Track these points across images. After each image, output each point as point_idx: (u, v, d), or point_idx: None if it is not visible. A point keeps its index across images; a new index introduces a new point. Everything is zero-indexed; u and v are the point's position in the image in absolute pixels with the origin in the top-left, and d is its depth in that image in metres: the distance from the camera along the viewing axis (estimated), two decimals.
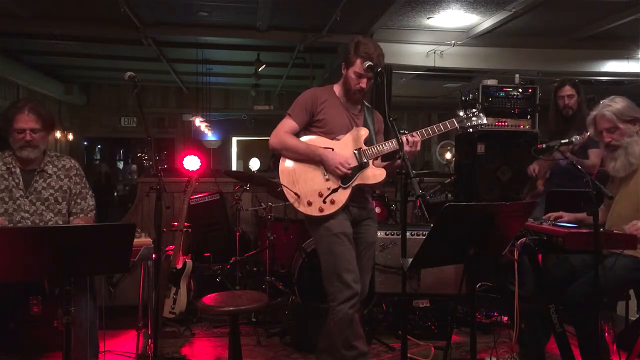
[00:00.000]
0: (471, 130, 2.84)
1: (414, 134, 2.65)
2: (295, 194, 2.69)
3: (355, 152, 2.73)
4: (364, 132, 2.78)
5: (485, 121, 2.79)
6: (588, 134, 3.31)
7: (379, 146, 2.73)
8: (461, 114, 2.79)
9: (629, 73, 7.01)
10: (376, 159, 2.79)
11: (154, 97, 11.21)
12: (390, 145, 2.71)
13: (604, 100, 2.73)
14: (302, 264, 3.97)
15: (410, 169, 2.34)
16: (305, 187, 2.70)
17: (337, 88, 2.86)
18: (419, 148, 2.65)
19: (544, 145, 3.09)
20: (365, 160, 2.73)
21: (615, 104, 2.67)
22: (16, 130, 2.70)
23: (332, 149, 2.72)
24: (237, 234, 4.60)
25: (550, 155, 3.90)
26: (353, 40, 2.74)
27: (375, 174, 2.75)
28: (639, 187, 2.60)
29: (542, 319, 2.67)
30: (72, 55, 7.98)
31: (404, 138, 2.59)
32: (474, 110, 2.79)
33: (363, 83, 2.72)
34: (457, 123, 2.75)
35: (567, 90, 3.92)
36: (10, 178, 2.73)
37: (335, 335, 2.67)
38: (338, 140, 2.75)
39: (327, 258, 2.69)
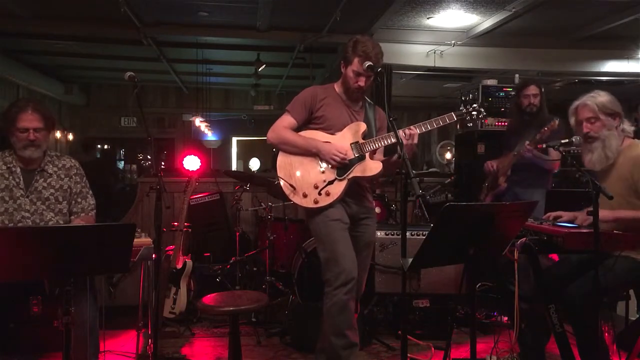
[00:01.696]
0: (470, 124, 2.85)
1: (411, 127, 2.66)
2: (291, 185, 2.72)
3: (352, 145, 2.75)
4: (362, 127, 2.79)
5: (484, 114, 2.79)
6: (547, 128, 3.35)
7: (376, 140, 2.74)
8: (462, 108, 2.81)
9: (629, 73, 7.00)
10: (374, 152, 2.80)
11: (154, 97, 11.20)
12: (387, 140, 2.72)
13: (587, 94, 2.74)
14: (302, 264, 3.97)
15: (410, 168, 2.34)
16: (301, 179, 2.73)
17: (337, 86, 2.88)
18: (416, 141, 2.64)
19: (544, 145, 3.10)
20: (362, 154, 2.74)
21: (599, 97, 2.68)
22: (19, 129, 2.69)
23: (330, 142, 2.74)
24: (237, 234, 4.60)
25: (510, 152, 3.94)
26: (352, 39, 2.75)
27: (371, 167, 2.76)
28: (615, 186, 2.61)
29: (542, 319, 2.67)
30: (72, 55, 7.98)
31: (401, 132, 2.59)
32: (475, 105, 2.79)
33: (361, 82, 2.73)
34: (456, 116, 2.75)
35: (533, 89, 3.97)
36: (11, 177, 2.73)
37: (326, 322, 2.67)
38: (335, 134, 2.78)
39: (325, 244, 2.71)
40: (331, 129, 2.78)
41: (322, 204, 2.69)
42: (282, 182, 2.75)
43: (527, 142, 3.65)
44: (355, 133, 2.78)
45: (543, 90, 4.00)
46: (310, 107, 2.79)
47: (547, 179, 4.00)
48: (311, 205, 2.70)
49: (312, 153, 2.74)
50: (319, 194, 2.69)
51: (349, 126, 2.79)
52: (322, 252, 2.74)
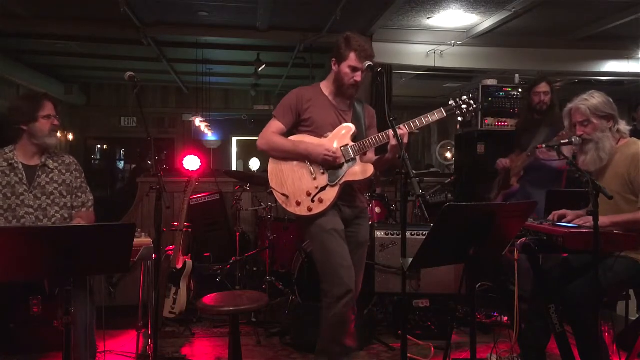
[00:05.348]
0: (461, 119, 2.79)
1: (400, 126, 2.59)
2: (284, 195, 2.70)
3: (342, 148, 2.72)
4: (351, 129, 2.77)
5: (474, 106, 2.73)
6: (565, 132, 3.34)
7: (365, 142, 2.72)
8: (451, 102, 2.75)
9: (629, 73, 7.00)
10: (364, 154, 2.79)
11: (153, 97, 11.19)
12: (376, 140, 2.69)
13: (582, 95, 2.75)
14: (302, 264, 3.97)
15: (410, 168, 2.33)
16: (294, 187, 2.70)
17: (324, 86, 2.85)
18: (406, 141, 2.55)
19: (544, 145, 3.09)
20: (353, 157, 2.72)
21: (592, 99, 2.69)
22: (44, 116, 2.75)
23: (301, 142, 2.73)
24: (237, 234, 4.60)
25: (522, 152, 3.91)
26: (342, 36, 2.74)
27: (363, 169, 2.74)
28: (611, 183, 2.62)
29: (542, 319, 2.67)
30: (72, 55, 7.97)
31: (390, 132, 2.55)
32: (464, 97, 2.74)
33: (358, 76, 2.70)
34: (446, 112, 2.71)
35: (544, 87, 3.93)
36: (13, 174, 2.74)
37: (327, 330, 2.71)
38: (325, 137, 2.75)
39: (321, 255, 2.70)
40: (319, 131, 2.75)
41: (316, 211, 2.67)
42: (274, 192, 2.73)
43: (543, 146, 3.60)
44: (344, 135, 2.75)
45: (554, 88, 3.95)
46: (297, 109, 2.76)
47: (559, 179, 3.97)
48: (305, 213, 2.68)
49: (302, 156, 2.71)
50: (312, 201, 2.67)
51: (337, 128, 2.76)
52: (318, 263, 2.74)
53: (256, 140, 2.83)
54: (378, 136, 2.69)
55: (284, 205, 2.71)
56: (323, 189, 2.68)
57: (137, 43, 6.43)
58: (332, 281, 2.65)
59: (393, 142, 2.55)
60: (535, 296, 2.74)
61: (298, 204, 2.68)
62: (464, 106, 2.72)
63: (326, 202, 2.67)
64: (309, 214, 2.67)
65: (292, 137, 2.79)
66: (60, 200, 2.82)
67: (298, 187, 2.70)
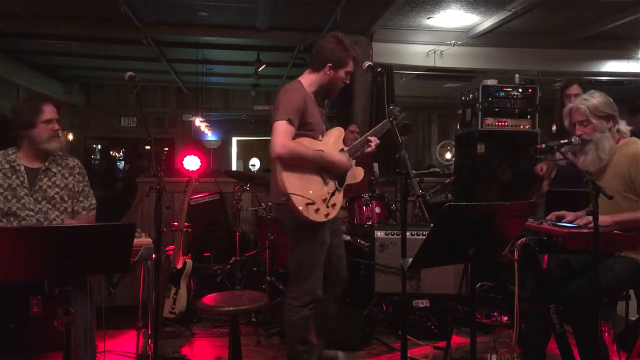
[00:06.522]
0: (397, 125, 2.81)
1: (370, 138, 2.84)
2: (310, 201, 2.59)
3: (340, 152, 2.77)
4: (340, 132, 2.83)
5: (398, 114, 2.71)
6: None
7: (358, 145, 2.82)
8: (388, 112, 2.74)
9: (629, 73, 7.02)
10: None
11: (154, 97, 11.20)
12: (365, 144, 2.84)
13: (583, 95, 2.77)
14: None
15: (410, 168, 2.34)
16: (315, 193, 2.64)
17: (307, 84, 2.79)
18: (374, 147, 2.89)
19: (543, 145, 3.09)
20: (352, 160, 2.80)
21: (592, 99, 2.69)
22: (44, 121, 2.71)
23: (322, 151, 2.71)
24: (237, 234, 4.60)
25: (555, 155, 3.90)
26: (333, 39, 2.73)
27: (359, 172, 2.83)
28: (611, 183, 2.62)
29: (542, 319, 2.67)
30: (72, 55, 7.98)
31: (373, 139, 2.80)
32: (391, 106, 2.70)
33: (348, 80, 2.82)
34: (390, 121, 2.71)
35: (575, 89, 3.89)
36: (14, 176, 2.72)
37: (292, 333, 2.78)
38: (321, 140, 2.77)
39: (306, 263, 2.73)
40: (316, 134, 2.74)
41: (331, 216, 2.67)
42: (295, 197, 2.55)
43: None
44: (338, 139, 2.79)
45: (587, 89, 3.94)
46: (303, 112, 2.67)
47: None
48: (323, 219, 2.64)
49: (325, 168, 2.67)
50: (327, 206, 2.66)
51: (330, 132, 2.80)
52: (300, 267, 2.74)
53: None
54: (363, 139, 2.83)
55: (303, 212, 2.56)
56: (333, 193, 2.70)
57: (137, 43, 6.44)
58: (307, 288, 2.72)
59: (372, 147, 2.83)
60: (535, 296, 2.74)
61: (317, 210, 2.61)
62: (392, 117, 2.69)
63: (337, 206, 2.70)
64: (325, 219, 2.65)
65: (299, 141, 2.66)
66: (61, 205, 2.81)
67: (319, 193, 2.65)
